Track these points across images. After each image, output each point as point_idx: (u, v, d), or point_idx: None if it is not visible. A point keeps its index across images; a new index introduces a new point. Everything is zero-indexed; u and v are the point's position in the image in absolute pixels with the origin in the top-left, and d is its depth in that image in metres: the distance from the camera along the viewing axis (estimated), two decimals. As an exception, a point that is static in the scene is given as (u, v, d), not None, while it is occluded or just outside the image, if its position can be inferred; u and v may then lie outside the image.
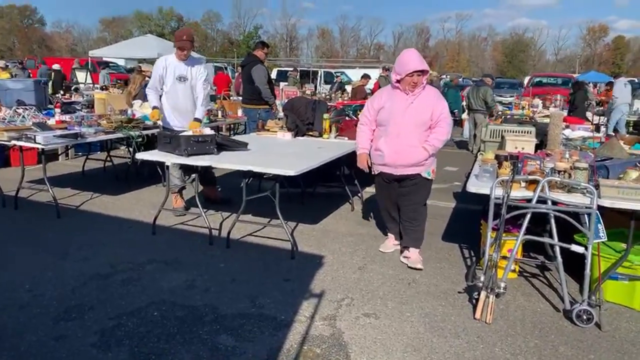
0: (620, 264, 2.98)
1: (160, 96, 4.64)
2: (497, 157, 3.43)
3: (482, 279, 2.93)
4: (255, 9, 66.59)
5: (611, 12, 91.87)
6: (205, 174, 4.74)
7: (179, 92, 4.58)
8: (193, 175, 4.32)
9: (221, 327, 2.71)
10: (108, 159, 6.58)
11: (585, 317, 2.80)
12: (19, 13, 59.56)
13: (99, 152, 7.37)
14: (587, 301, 2.84)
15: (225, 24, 65.98)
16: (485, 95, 8.65)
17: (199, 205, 4.12)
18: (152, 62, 16.08)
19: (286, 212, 3.90)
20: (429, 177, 3.60)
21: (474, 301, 3.01)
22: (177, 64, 4.52)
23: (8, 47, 55.63)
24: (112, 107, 6.47)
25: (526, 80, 25.32)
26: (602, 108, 11.42)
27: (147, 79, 7.49)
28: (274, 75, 21.53)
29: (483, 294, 2.87)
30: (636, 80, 20.07)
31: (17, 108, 5.53)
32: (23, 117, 5.21)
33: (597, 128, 5.79)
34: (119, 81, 15.29)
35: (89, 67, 16.97)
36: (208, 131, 4.17)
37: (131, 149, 6.21)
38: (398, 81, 3.43)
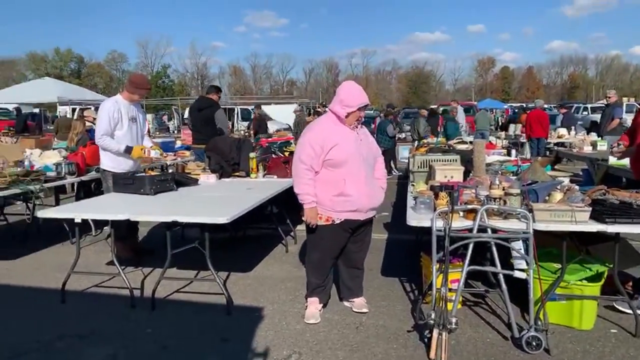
0: (558, 285, 3.05)
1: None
2: (432, 187, 3.43)
3: (432, 316, 2.83)
4: (162, 49, 64.89)
5: (497, 46, 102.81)
6: (130, 225, 4.35)
7: (133, 133, 4.56)
8: (107, 230, 3.86)
9: (154, 410, 2.31)
10: (2, 217, 5.77)
11: (534, 343, 2.79)
12: None
13: (-10, 210, 6.46)
14: (534, 327, 2.84)
15: (131, 64, 63.51)
16: (419, 126, 9.09)
17: (116, 263, 3.65)
18: (51, 105, 14.90)
19: (216, 262, 3.56)
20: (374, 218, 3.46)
21: (425, 340, 2.90)
22: (127, 106, 4.52)
23: None
24: (5, 159, 5.72)
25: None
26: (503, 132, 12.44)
27: (88, 124, 7.04)
28: (187, 114, 20.95)
29: (435, 332, 2.76)
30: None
31: None
32: None
33: (508, 152, 6.15)
34: (10, 128, 13.93)
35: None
36: (154, 153, 4.71)
37: (30, 205, 5.53)
38: (347, 115, 3.10)
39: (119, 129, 4.43)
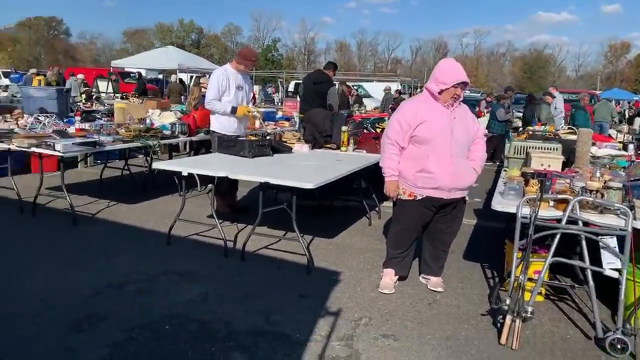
0: (656, 291, 2.81)
1: None
2: (523, 174, 3.30)
3: (507, 302, 2.79)
4: (274, 23, 67.27)
5: (634, 29, 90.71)
6: (230, 183, 4.76)
7: (239, 100, 4.94)
8: (210, 185, 4.27)
9: (234, 345, 2.61)
10: (126, 167, 6.59)
11: (619, 346, 2.63)
12: (46, 24, 61.27)
13: (117, 160, 7.40)
14: (622, 329, 2.68)
15: (244, 36, 66.84)
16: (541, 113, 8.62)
17: (215, 216, 4.06)
18: (172, 72, 16.31)
19: (302, 226, 3.81)
20: (467, 200, 3.39)
21: (498, 325, 2.87)
22: (235, 75, 4.90)
23: (34, 57, 57.11)
24: (131, 116, 6.51)
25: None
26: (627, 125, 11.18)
27: (203, 90, 7.78)
28: (291, 87, 21.65)
29: (509, 318, 2.73)
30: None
31: (39, 116, 5.59)
32: (44, 124, 5.25)
33: (625, 146, 5.59)
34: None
35: (111, 76, 17.26)
36: (255, 112, 5.41)
37: (149, 158, 6.25)
38: (440, 92, 3.07)
39: (227, 95, 4.83)
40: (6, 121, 5.83)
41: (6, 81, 23.79)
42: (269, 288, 3.36)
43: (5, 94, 15.16)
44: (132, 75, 20.20)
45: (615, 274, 2.74)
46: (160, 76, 20.90)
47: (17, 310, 2.89)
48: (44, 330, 2.68)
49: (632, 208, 2.70)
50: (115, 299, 3.10)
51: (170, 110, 7.29)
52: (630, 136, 8.12)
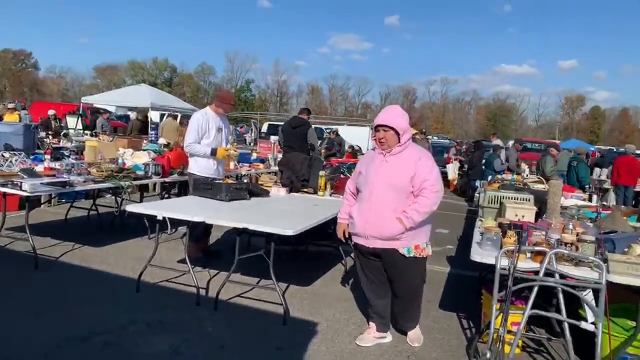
0: (630, 344, 2.86)
1: None
2: (501, 225, 3.36)
3: (488, 355, 2.77)
4: (248, 65, 68.26)
5: (589, 84, 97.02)
6: (205, 227, 4.66)
7: (218, 142, 4.96)
8: (183, 230, 4.17)
9: (208, 403, 2.46)
10: (93, 207, 6.37)
11: (598, 401, 2.63)
12: (14, 57, 60.33)
13: (83, 200, 7.15)
14: (599, 384, 2.68)
15: (218, 77, 67.66)
16: (545, 166, 8.91)
17: (188, 262, 3.92)
18: (143, 110, 16.22)
19: (277, 273, 3.72)
20: (409, 255, 3.02)
21: (479, 379, 2.83)
22: (215, 118, 4.94)
23: (-1, 90, 55.87)
24: (103, 155, 6.36)
25: (511, 144, 26.01)
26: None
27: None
28: (265, 129, 21.82)
29: (490, 372, 2.69)
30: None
31: (4, 153, 5.38)
32: (10, 162, 5.05)
33: (590, 197, 5.82)
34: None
35: (81, 112, 16.97)
36: (233, 152, 5.45)
37: (119, 199, 6.07)
38: (373, 137, 3.11)
39: (207, 138, 4.85)
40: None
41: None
42: (244, 340, 3.23)
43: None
44: (109, 112, 19.90)
45: (591, 328, 2.77)
46: (132, 114, 20.72)
47: (-31, 365, 2.66)
48: (-1, 388, 2.47)
49: (605, 261, 2.77)
50: (79, 353, 2.90)
51: (143, 150, 7.19)
52: (593, 187, 8.50)
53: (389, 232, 2.97)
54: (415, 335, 3.39)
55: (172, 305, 3.72)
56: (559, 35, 78.93)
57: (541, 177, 8.31)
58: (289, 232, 3.40)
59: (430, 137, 23.15)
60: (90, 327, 3.22)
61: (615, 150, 21.52)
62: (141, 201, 6.24)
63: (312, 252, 5.55)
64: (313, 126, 7.60)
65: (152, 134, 15.09)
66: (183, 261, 4.10)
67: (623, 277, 2.72)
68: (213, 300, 3.74)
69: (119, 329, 3.25)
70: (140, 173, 5.67)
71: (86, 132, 14.54)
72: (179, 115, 17.95)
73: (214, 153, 4.87)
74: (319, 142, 16.98)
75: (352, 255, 5.27)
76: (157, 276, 4.26)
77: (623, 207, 6.37)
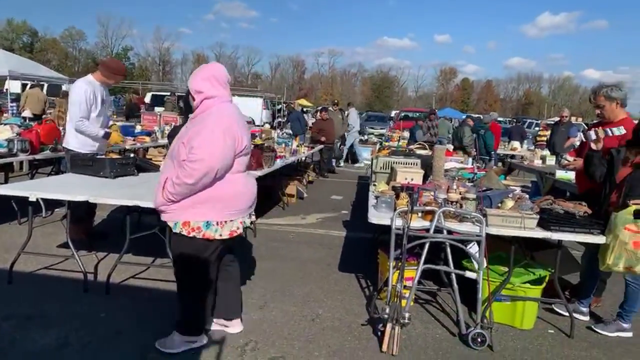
0: (504, 287, 3.24)
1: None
2: (394, 188, 3.55)
3: (387, 310, 2.95)
4: (124, 30, 62.76)
5: (460, 58, 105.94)
6: (88, 207, 4.23)
7: (102, 115, 4.50)
8: (60, 212, 3.75)
9: (107, 393, 2.29)
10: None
11: (479, 339, 2.96)
12: None
13: None
14: (480, 324, 3.02)
15: (89, 43, 61.13)
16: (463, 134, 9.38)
17: (71, 245, 3.55)
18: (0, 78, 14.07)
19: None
20: (175, 231, 2.57)
21: (378, 333, 3.01)
22: (100, 89, 4.44)
23: None
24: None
25: (393, 113, 27.63)
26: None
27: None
28: (147, 99, 20.36)
29: (389, 326, 2.87)
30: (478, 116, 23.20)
31: None
32: None
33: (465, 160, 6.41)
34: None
35: None
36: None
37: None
38: None
39: (93, 111, 4.35)
40: None
41: None
42: (143, 322, 3.04)
43: None
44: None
45: (474, 275, 3.08)
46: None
47: None
48: None
49: (484, 216, 3.08)
50: (-60, 358, 2.50)
51: (4, 124, 6.27)
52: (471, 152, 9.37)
53: (155, 202, 2.65)
54: (168, 339, 2.74)
55: (54, 295, 3.36)
56: (435, 9, 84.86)
57: (458, 145, 8.93)
58: (186, 206, 3.22)
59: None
60: (-47, 329, 2.79)
61: (481, 117, 24.03)
62: (6, 182, 5.48)
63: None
64: (180, 94, 7.28)
65: (12, 106, 13.26)
66: (64, 245, 3.71)
67: (499, 229, 3.05)
68: (103, 285, 3.45)
69: (-10, 326, 2.86)
70: (3, 150, 4.95)
71: None
72: (45, 85, 15.99)
73: (106, 136, 4.46)
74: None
75: (252, 227, 5.24)
76: (34, 264, 3.81)
77: (494, 167, 7.14)
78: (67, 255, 3.63)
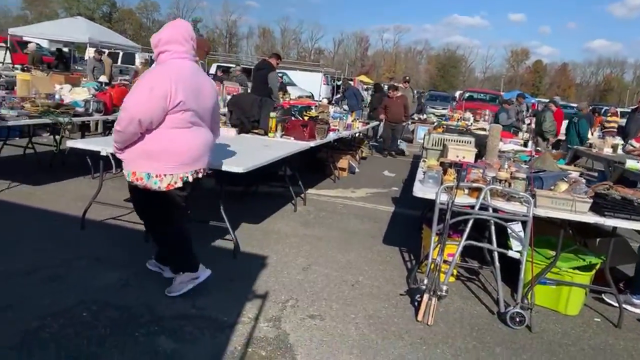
0: (549, 270, 3.18)
1: None
2: (442, 164, 3.54)
3: (425, 281, 3.00)
4: (195, 2, 64.61)
5: (535, 38, 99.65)
6: None
7: None
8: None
9: (159, 329, 2.54)
10: (30, 145, 6.02)
11: (518, 319, 2.95)
12: None
13: (17, 139, 6.73)
14: (520, 304, 3.00)
15: (162, 14, 63.55)
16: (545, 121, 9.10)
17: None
18: (81, 45, 15.05)
19: (227, 211, 3.75)
20: (128, 180, 2.76)
21: (416, 303, 3.07)
22: None
23: None
24: (37, 90, 5.95)
25: (457, 94, 26.68)
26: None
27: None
28: (212, 70, 21.01)
29: (426, 296, 2.93)
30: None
31: None
32: None
33: (525, 143, 6.18)
34: (43, 63, 14.22)
35: (9, 45, 15.54)
36: None
37: (57, 136, 5.77)
38: None
39: None
40: None
41: None
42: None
43: None
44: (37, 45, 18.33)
45: (517, 255, 3.05)
46: (66, 49, 19.21)
47: None
48: (-62, 320, 2.42)
49: (533, 197, 3.01)
50: (23, 285, 2.86)
51: (82, 87, 6.78)
52: (529, 134, 8.98)
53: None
54: (173, 285, 2.96)
55: (120, 242, 3.70)
56: (511, -14, 79.83)
57: (538, 130, 8.56)
58: (239, 169, 3.41)
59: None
60: (34, 262, 3.16)
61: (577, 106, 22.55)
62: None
63: (262, 193, 5.60)
64: (245, 67, 7.63)
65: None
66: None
67: (547, 211, 2.98)
68: (162, 237, 3.74)
69: (65, 263, 3.21)
70: (80, 110, 5.38)
71: (16, 66, 13.40)
72: (120, 53, 16.91)
73: None
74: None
75: (301, 195, 5.42)
76: (103, 214, 4.18)
77: (553, 150, 6.82)
78: (133, 208, 3.94)
